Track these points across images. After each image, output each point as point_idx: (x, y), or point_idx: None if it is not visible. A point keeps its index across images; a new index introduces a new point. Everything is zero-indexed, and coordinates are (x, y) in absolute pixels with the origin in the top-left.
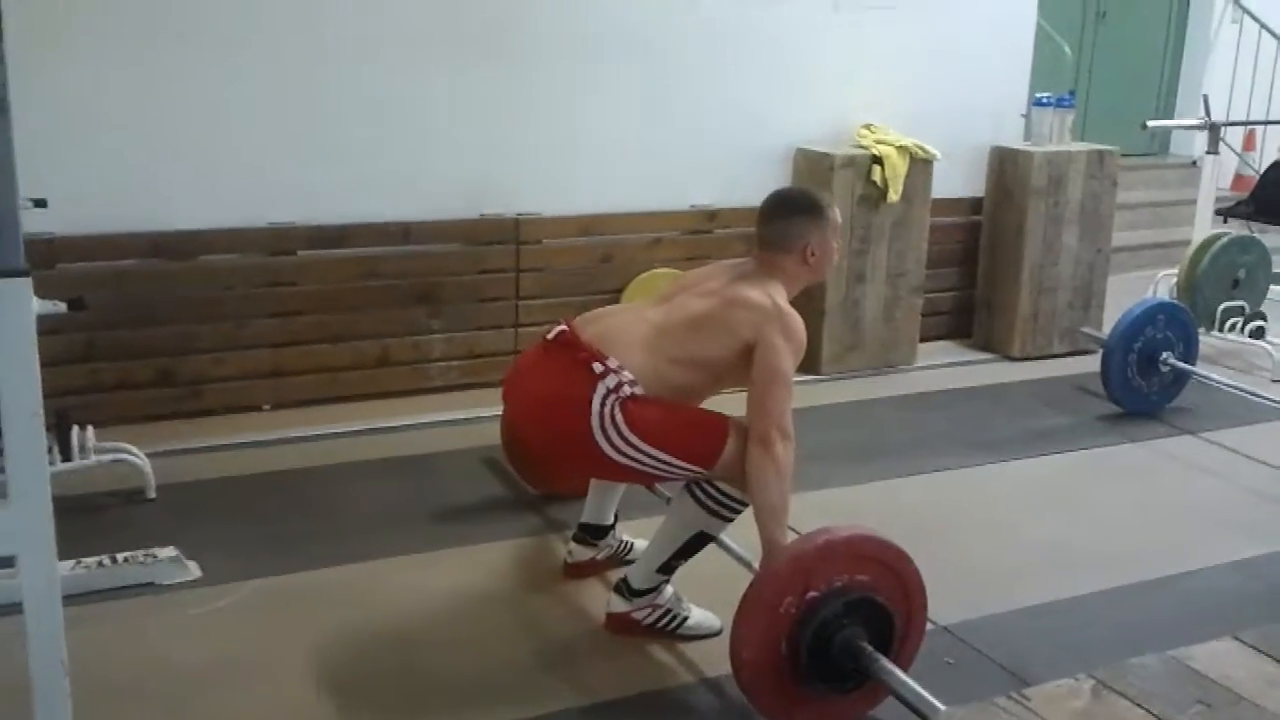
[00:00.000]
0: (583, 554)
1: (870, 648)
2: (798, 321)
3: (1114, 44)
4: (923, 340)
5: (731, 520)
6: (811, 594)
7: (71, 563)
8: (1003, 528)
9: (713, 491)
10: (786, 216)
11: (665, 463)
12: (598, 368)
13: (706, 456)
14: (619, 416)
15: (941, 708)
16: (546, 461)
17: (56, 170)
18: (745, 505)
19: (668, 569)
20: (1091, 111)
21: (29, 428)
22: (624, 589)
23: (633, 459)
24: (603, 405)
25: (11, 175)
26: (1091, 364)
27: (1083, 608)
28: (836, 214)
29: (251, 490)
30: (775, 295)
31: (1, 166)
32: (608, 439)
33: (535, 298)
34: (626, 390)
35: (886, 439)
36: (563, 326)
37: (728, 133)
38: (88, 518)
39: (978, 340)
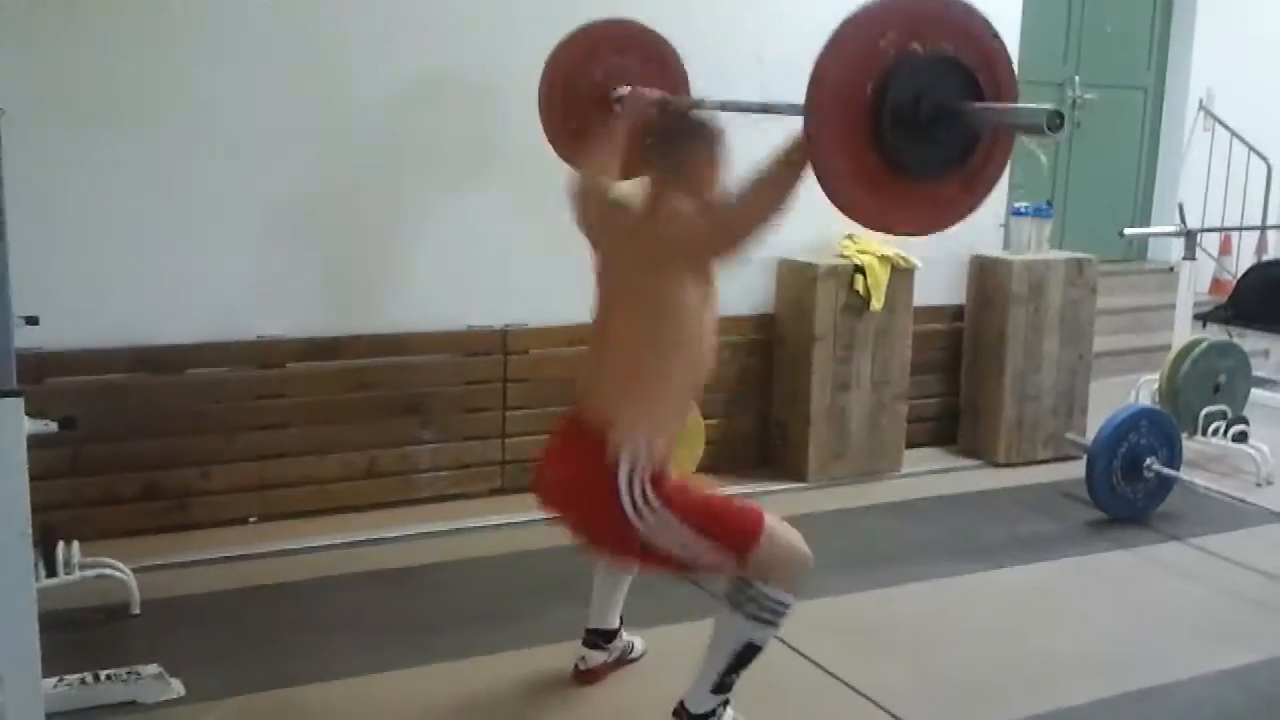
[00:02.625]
0: (596, 658)
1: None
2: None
3: (1089, 153)
4: (908, 447)
5: (778, 626)
6: (915, 44)
7: (54, 680)
8: (994, 637)
9: (754, 595)
10: (689, 139)
11: (697, 543)
12: (611, 459)
13: (743, 542)
14: (649, 489)
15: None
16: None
17: (45, 285)
18: (789, 608)
19: (723, 687)
20: (1069, 219)
21: (16, 547)
22: (682, 714)
23: (664, 537)
24: (630, 487)
25: (6, 296)
26: (1076, 470)
27: (1075, 719)
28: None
29: (237, 604)
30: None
31: None
32: (638, 512)
33: (522, 408)
34: (645, 470)
35: (876, 547)
36: (573, 415)
37: None
38: (71, 634)
39: (963, 446)
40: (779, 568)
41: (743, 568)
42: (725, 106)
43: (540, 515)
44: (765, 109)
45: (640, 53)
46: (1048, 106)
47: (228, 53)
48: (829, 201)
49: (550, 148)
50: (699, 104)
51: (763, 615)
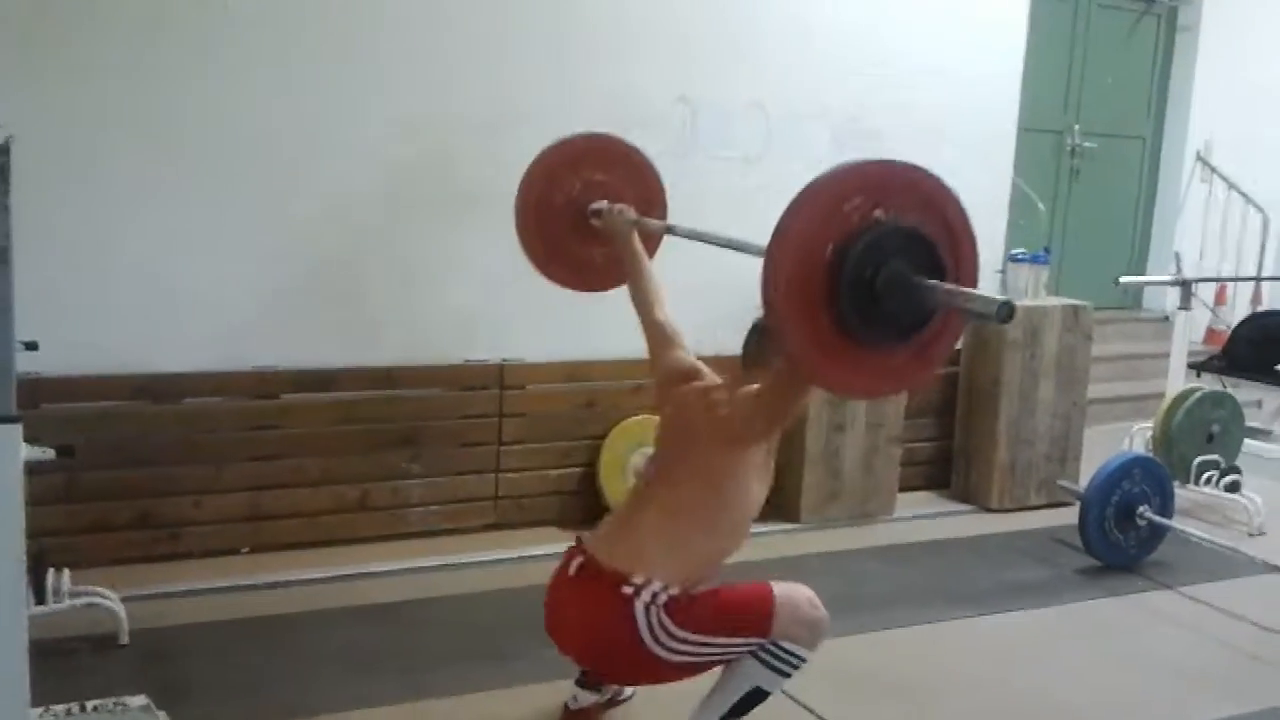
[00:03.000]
0: (587, 698)
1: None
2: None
3: (1087, 202)
4: (901, 490)
5: (789, 677)
6: (879, 212)
7: (40, 710)
8: (986, 684)
9: (772, 646)
10: (766, 335)
11: (724, 645)
12: (628, 590)
13: (762, 626)
14: (666, 622)
15: (999, 298)
16: (612, 680)
17: (44, 311)
18: (805, 661)
19: None
20: (1066, 267)
21: (10, 574)
22: None
23: (692, 654)
24: (648, 618)
25: (10, 323)
26: (1069, 516)
27: None
28: None
29: (226, 636)
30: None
31: (1, 314)
32: (661, 645)
33: (518, 443)
34: (663, 598)
35: (868, 591)
36: (580, 558)
37: (711, 286)
38: (58, 663)
39: (956, 491)
40: (798, 628)
41: (768, 640)
42: (694, 236)
43: (533, 552)
44: (730, 244)
45: (617, 166)
46: (999, 298)
47: (230, 85)
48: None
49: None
50: (671, 228)
51: (777, 665)
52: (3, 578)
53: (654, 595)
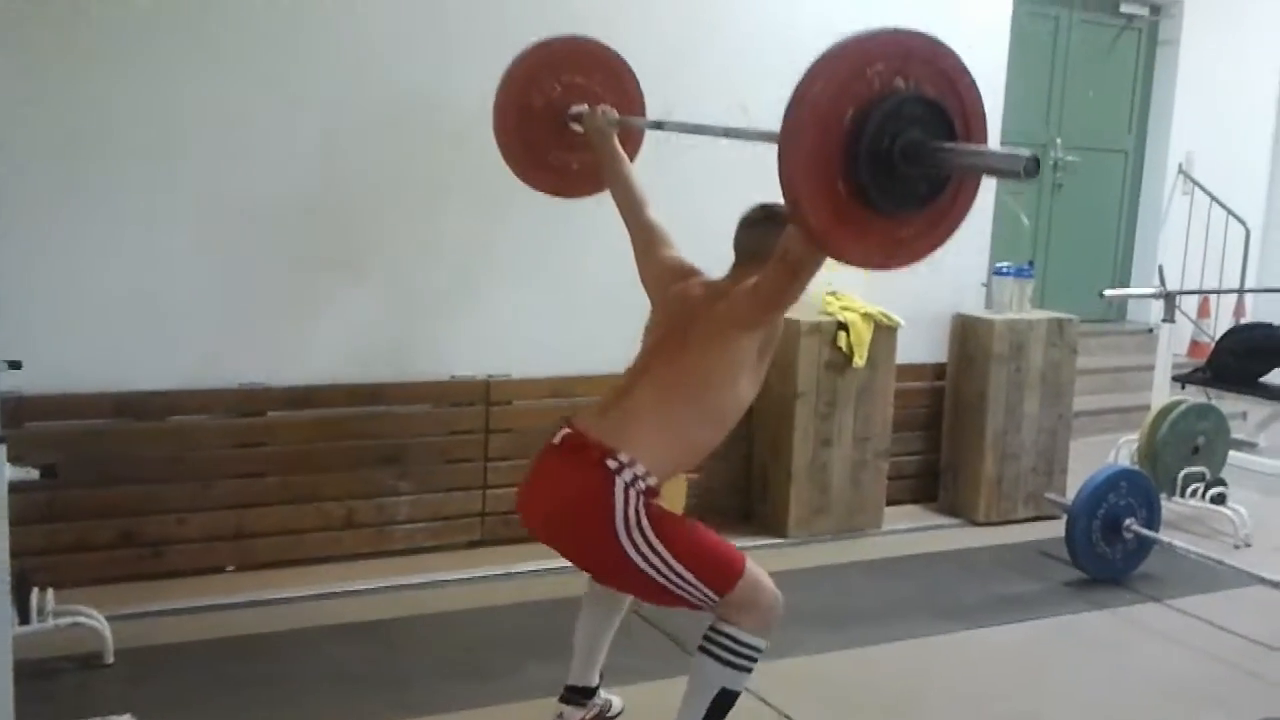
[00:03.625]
0: (573, 715)
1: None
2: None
3: (1070, 215)
4: (889, 504)
5: (750, 672)
6: (899, 81)
7: None
8: (975, 698)
9: (726, 641)
10: (764, 226)
11: (682, 577)
12: (611, 464)
13: (724, 581)
14: (643, 515)
15: (1024, 152)
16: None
17: (27, 329)
18: (761, 652)
19: None
20: (1049, 280)
21: None
22: None
23: (651, 566)
24: (625, 501)
25: None
26: (1056, 529)
27: None
28: None
29: (211, 655)
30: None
31: None
32: (629, 537)
33: (504, 459)
34: (643, 484)
35: (856, 605)
36: (567, 430)
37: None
38: (43, 683)
39: (943, 504)
40: (754, 611)
41: (718, 606)
42: (686, 129)
43: (519, 569)
44: (728, 133)
45: (597, 70)
46: (1023, 152)
47: (213, 99)
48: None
49: (515, 176)
50: (659, 124)
51: (736, 661)
52: None
53: (635, 477)
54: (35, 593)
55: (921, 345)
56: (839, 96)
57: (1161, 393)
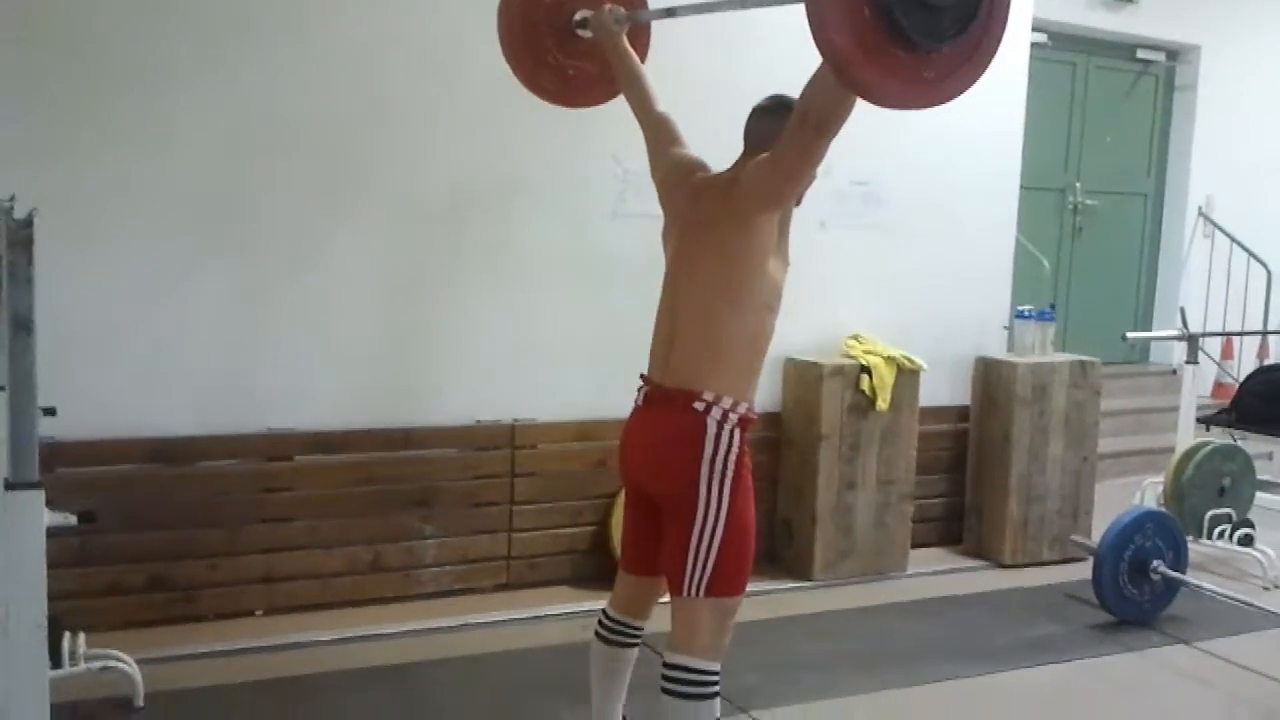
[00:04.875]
0: None
1: None
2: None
3: (1091, 258)
4: (914, 546)
5: (717, 696)
6: None
7: None
8: None
9: (687, 675)
10: (777, 114)
11: (712, 542)
12: (699, 405)
13: (732, 580)
14: (733, 454)
15: None
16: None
17: (61, 377)
18: (718, 675)
19: None
20: (1071, 322)
21: (32, 640)
22: None
23: (706, 513)
24: (717, 440)
25: (32, 392)
26: (1082, 571)
27: None
28: None
29: (240, 699)
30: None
31: (22, 384)
32: (710, 476)
33: (529, 502)
34: (734, 417)
35: (883, 648)
36: (646, 388)
37: None
38: None
39: (968, 547)
40: (721, 634)
41: (693, 609)
42: (701, 9)
43: (545, 612)
44: (744, 4)
45: None
46: None
47: (239, 151)
48: (828, 68)
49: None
50: (670, 12)
51: (705, 691)
52: (25, 640)
53: (724, 413)
54: (67, 636)
55: (944, 388)
56: None
57: (1186, 434)
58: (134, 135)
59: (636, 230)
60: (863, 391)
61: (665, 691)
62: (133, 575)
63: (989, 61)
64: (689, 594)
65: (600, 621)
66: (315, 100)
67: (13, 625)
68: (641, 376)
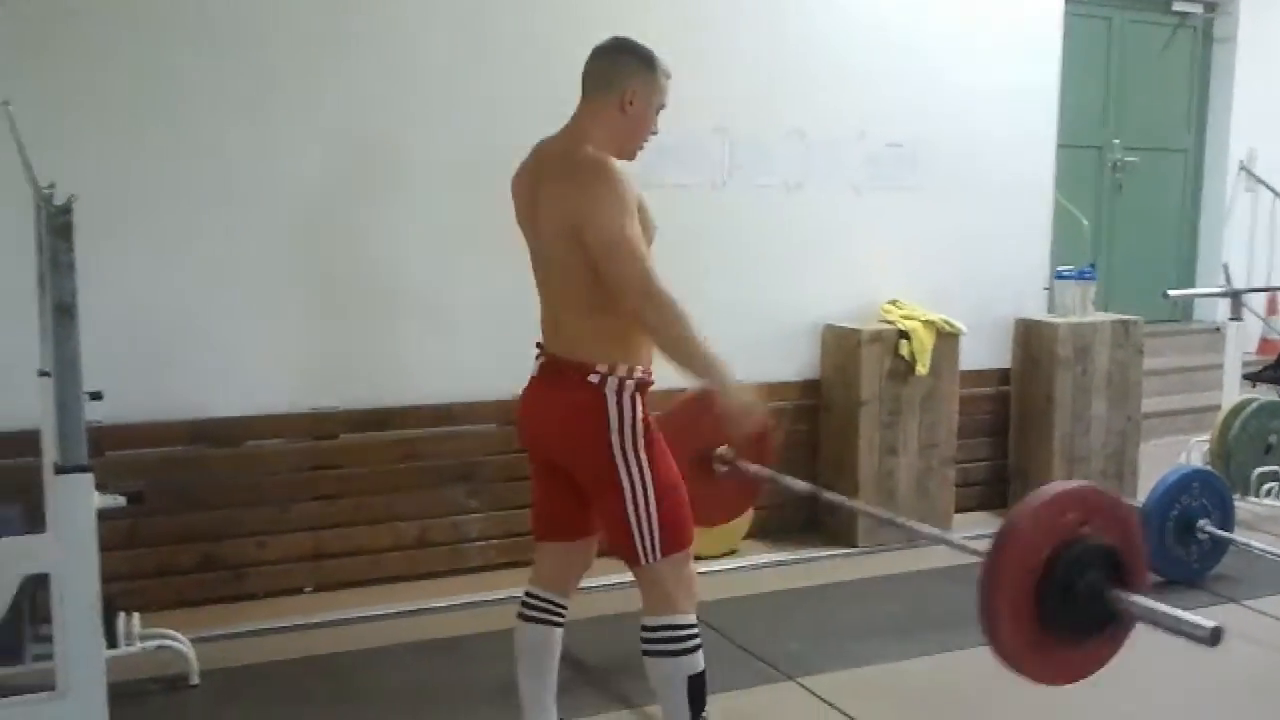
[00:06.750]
0: None
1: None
2: (607, 171)
3: (1131, 216)
4: (957, 511)
5: (700, 647)
6: (1086, 528)
7: None
8: (1054, 705)
9: (666, 633)
10: (617, 54)
11: (649, 508)
12: (594, 379)
13: (678, 537)
14: (637, 422)
15: (1208, 623)
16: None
17: (107, 360)
18: (697, 626)
19: None
20: (1112, 281)
21: (86, 619)
22: None
23: (633, 480)
24: (619, 409)
25: (77, 376)
26: None
27: None
28: (665, 79)
29: (293, 675)
30: (575, 155)
31: (68, 368)
32: (623, 447)
33: None
34: (631, 383)
35: (929, 613)
36: (542, 358)
37: (757, 311)
38: (131, 705)
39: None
40: (682, 585)
41: (651, 571)
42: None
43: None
44: (930, 538)
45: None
46: (1207, 623)
47: (284, 137)
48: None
49: None
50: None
51: (686, 646)
52: (80, 621)
53: (620, 381)
54: (122, 617)
55: (984, 351)
56: (1040, 535)
57: (1232, 392)
58: (175, 128)
59: (667, 200)
60: (902, 356)
61: (651, 654)
62: (183, 555)
63: (1124, 639)
64: (646, 561)
65: (524, 602)
66: (350, 88)
67: (68, 606)
68: (538, 345)
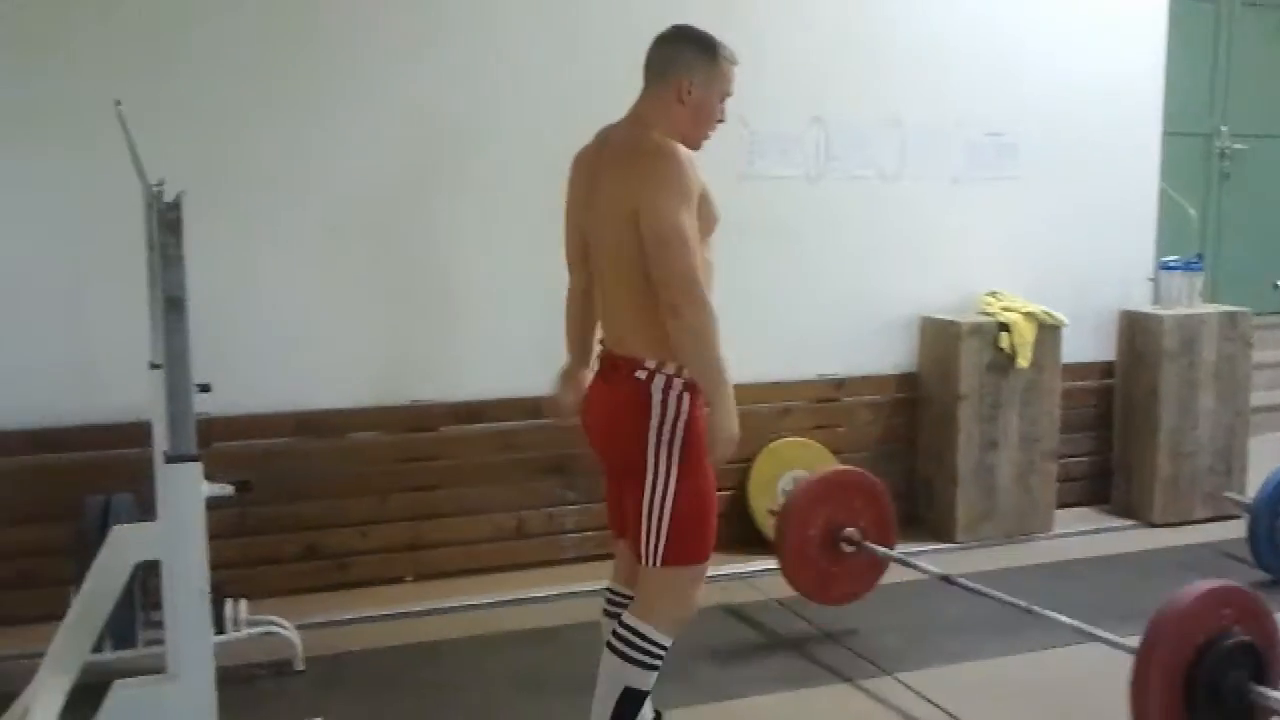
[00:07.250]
0: None
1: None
2: (670, 159)
3: (1239, 205)
4: (1059, 507)
5: (655, 669)
6: (1237, 627)
7: None
8: None
9: (635, 639)
10: (676, 43)
11: (664, 508)
12: (641, 374)
13: (689, 548)
14: (682, 417)
15: None
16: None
17: (215, 354)
18: (666, 651)
19: None
20: (1220, 272)
21: (196, 605)
22: None
23: (656, 475)
24: (664, 405)
25: (186, 367)
26: (1237, 529)
27: None
28: (729, 67)
29: (395, 662)
30: (640, 141)
31: (177, 360)
32: (658, 439)
33: None
34: (679, 382)
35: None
36: (601, 354)
37: (854, 304)
38: (239, 689)
39: (1116, 506)
40: (678, 603)
41: (653, 580)
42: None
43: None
44: (1095, 637)
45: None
46: None
47: (382, 146)
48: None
49: None
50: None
51: (644, 659)
52: (190, 606)
53: (668, 378)
54: (229, 603)
55: (1087, 343)
56: (1193, 623)
57: None
58: (282, 132)
59: (763, 192)
60: (1002, 349)
61: (610, 647)
62: (288, 544)
63: None
64: (647, 563)
65: (606, 598)
66: (450, 96)
67: (178, 592)
68: (600, 342)
